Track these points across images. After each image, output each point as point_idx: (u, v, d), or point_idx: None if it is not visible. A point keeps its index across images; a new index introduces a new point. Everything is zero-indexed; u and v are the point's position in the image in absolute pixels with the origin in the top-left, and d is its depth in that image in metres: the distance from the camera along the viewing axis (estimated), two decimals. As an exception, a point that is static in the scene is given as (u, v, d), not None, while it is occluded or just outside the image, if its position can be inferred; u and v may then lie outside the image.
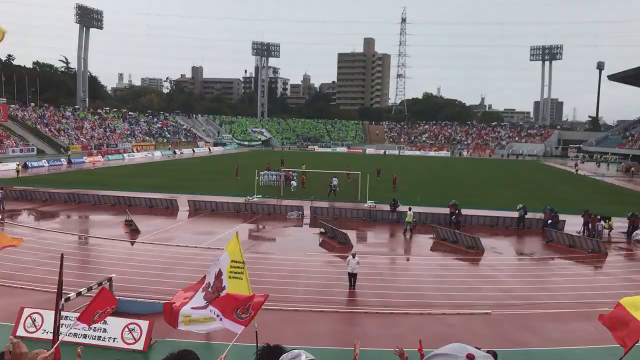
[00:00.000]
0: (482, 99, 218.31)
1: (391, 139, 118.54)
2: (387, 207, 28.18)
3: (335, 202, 32.33)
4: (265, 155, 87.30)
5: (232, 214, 28.24)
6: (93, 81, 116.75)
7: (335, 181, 36.59)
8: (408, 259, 19.60)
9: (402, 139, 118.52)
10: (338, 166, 58.00)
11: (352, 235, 22.78)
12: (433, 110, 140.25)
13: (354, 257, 15.17)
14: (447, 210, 26.11)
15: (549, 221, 23.53)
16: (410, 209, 24.72)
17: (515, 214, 25.78)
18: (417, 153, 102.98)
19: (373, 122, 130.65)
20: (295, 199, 32.96)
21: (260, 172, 40.76)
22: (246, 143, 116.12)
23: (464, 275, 17.17)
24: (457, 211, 25.11)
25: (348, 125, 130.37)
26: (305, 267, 17.35)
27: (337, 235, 22.02)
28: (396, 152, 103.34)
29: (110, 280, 12.72)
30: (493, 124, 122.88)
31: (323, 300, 13.78)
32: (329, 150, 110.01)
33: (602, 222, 22.61)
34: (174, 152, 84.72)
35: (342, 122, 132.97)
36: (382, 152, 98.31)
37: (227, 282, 5.99)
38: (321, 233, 23.37)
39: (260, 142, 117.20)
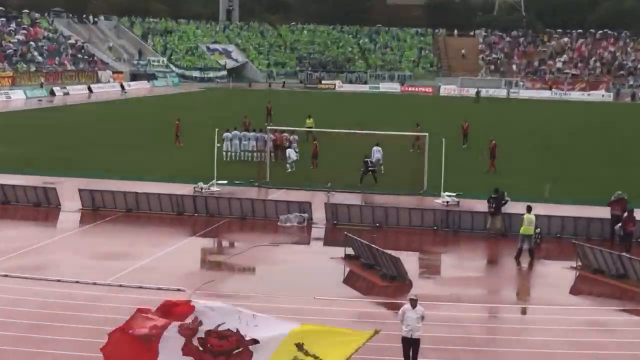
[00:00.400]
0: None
1: (491, 66, 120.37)
2: (482, 206, 28.31)
3: (375, 195, 32.71)
4: (235, 98, 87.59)
5: (167, 217, 28.67)
6: None
7: (377, 153, 37.15)
8: (525, 312, 20.26)
9: (513, 67, 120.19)
10: (383, 122, 57.96)
11: (411, 261, 22.96)
12: (579, 8, 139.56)
13: (413, 306, 15.26)
14: (605, 212, 26.80)
15: None
16: (529, 210, 24.73)
17: None
18: (545, 95, 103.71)
19: (454, 32, 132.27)
20: (296, 188, 33.44)
21: (226, 134, 41.19)
22: (196, 74, 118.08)
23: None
24: (627, 214, 25.04)
25: (403, 39, 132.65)
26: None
27: (381, 261, 22.12)
28: (502, 92, 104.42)
29: None
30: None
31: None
32: (366, 88, 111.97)
33: None
34: (52, 93, 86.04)
35: (391, 32, 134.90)
36: (472, 92, 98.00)
37: None
38: (348, 257, 23.53)
39: (224, 74, 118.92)
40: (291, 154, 38.09)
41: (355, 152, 37.85)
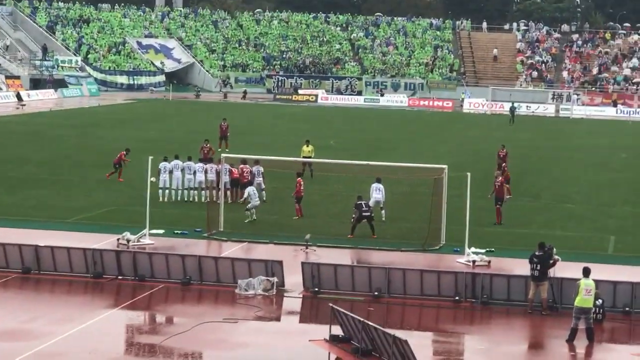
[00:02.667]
0: None
1: (533, 73, 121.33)
2: (522, 267, 28.29)
3: (373, 252, 32.65)
4: (177, 114, 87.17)
5: (79, 281, 28.53)
6: None
7: (377, 193, 37.07)
8: None
9: (564, 74, 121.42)
10: (384, 149, 57.98)
11: (423, 346, 22.73)
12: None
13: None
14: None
15: None
16: (586, 274, 24.68)
17: None
18: (608, 113, 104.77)
19: (483, 25, 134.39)
20: (261, 241, 33.52)
21: (163, 165, 41.12)
22: (122, 81, 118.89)
23: None
24: None
25: (413, 33, 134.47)
26: None
27: (381, 345, 21.94)
28: (549, 108, 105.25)
29: None
30: None
31: None
32: (360, 101, 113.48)
33: None
34: None
35: (395, 24, 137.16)
36: (505, 108, 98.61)
37: None
38: (333, 339, 23.35)
39: (162, 80, 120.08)
40: (252, 194, 37.63)
41: (348, 191, 37.84)
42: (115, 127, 71.96)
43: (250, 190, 37.55)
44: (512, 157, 51.40)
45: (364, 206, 35.03)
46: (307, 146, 49.08)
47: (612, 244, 34.70)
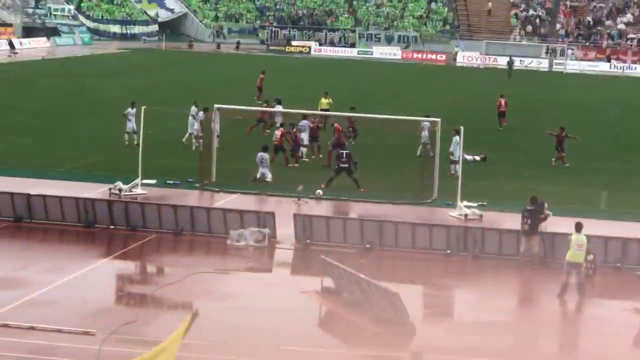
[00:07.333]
0: None
1: (527, 27, 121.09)
2: (513, 221, 28.37)
3: (365, 204, 32.69)
4: (172, 64, 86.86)
5: (71, 230, 28.65)
6: None
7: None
8: None
9: (557, 27, 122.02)
10: (376, 100, 57.91)
11: (413, 299, 22.75)
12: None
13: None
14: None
15: None
16: (579, 229, 24.76)
17: None
18: (602, 68, 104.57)
19: None
20: (253, 192, 33.57)
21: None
22: (115, 30, 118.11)
23: None
24: None
25: None
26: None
27: (372, 297, 22.05)
28: (543, 63, 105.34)
29: None
30: None
31: None
32: (353, 53, 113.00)
33: None
34: None
35: None
36: (501, 61, 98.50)
37: None
38: (325, 291, 23.43)
39: (154, 29, 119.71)
40: (266, 173, 36.16)
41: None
42: (107, 76, 71.65)
43: (264, 171, 36.23)
44: (508, 116, 51.71)
45: (343, 156, 34.75)
46: (326, 98, 49.08)
47: (604, 199, 34.74)
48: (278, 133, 38.71)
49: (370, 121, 41.33)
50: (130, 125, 40.97)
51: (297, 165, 38.25)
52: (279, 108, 44.72)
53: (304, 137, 40.03)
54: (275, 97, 47.91)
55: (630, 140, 50.72)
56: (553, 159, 40.99)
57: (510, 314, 23.76)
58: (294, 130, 39.67)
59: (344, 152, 35.03)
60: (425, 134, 39.56)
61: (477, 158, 39.53)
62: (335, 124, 39.78)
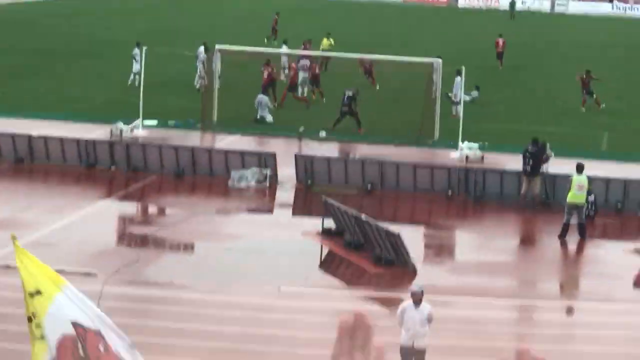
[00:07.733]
0: None
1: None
2: (515, 162, 28.32)
3: (366, 146, 32.66)
4: (171, 3, 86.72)
5: (72, 171, 28.62)
6: None
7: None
8: (571, 312, 20.33)
9: None
10: (377, 43, 57.67)
11: (415, 239, 22.96)
12: None
13: (417, 303, 15.34)
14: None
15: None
16: (580, 170, 24.75)
17: None
18: (603, 9, 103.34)
19: None
20: (255, 133, 33.53)
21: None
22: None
23: None
24: None
25: None
26: (281, 333, 17.97)
27: (373, 238, 22.14)
28: (544, 4, 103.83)
29: None
30: None
31: None
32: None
33: None
34: None
35: None
36: (502, 3, 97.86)
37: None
38: (326, 232, 23.49)
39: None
40: (265, 115, 36.19)
41: (342, 86, 37.48)
42: (109, 16, 71.20)
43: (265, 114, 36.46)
44: (510, 58, 51.54)
45: (345, 100, 34.49)
46: (328, 39, 48.72)
47: (606, 140, 34.68)
48: (265, 72, 38.74)
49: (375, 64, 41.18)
50: (137, 66, 40.86)
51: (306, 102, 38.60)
52: (284, 48, 44.70)
53: (301, 76, 39.87)
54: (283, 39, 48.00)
55: (630, 84, 50.48)
56: (582, 107, 40.61)
57: (511, 254, 23.84)
58: (292, 68, 39.88)
59: (346, 95, 34.91)
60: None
61: (475, 94, 39.31)
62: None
